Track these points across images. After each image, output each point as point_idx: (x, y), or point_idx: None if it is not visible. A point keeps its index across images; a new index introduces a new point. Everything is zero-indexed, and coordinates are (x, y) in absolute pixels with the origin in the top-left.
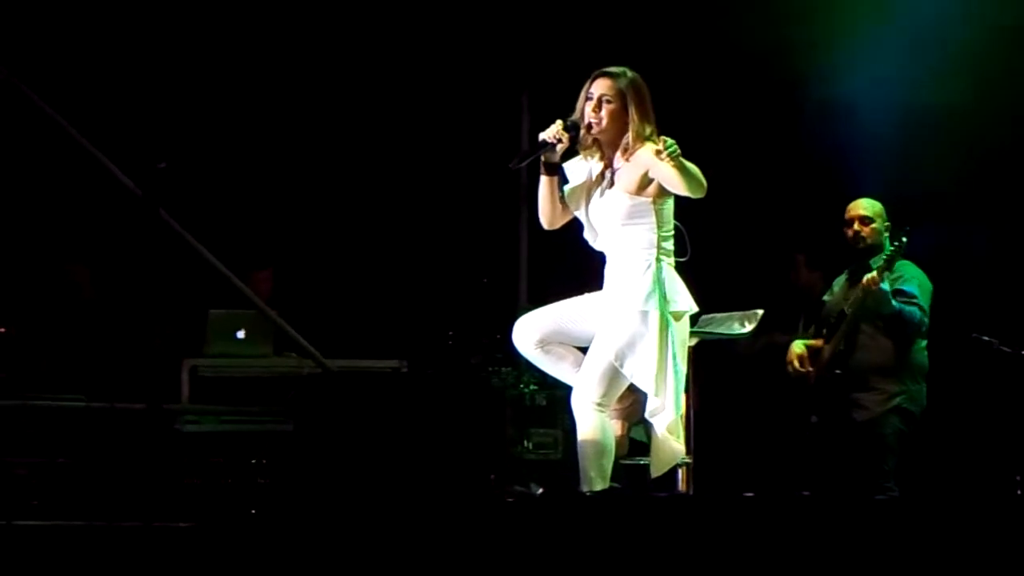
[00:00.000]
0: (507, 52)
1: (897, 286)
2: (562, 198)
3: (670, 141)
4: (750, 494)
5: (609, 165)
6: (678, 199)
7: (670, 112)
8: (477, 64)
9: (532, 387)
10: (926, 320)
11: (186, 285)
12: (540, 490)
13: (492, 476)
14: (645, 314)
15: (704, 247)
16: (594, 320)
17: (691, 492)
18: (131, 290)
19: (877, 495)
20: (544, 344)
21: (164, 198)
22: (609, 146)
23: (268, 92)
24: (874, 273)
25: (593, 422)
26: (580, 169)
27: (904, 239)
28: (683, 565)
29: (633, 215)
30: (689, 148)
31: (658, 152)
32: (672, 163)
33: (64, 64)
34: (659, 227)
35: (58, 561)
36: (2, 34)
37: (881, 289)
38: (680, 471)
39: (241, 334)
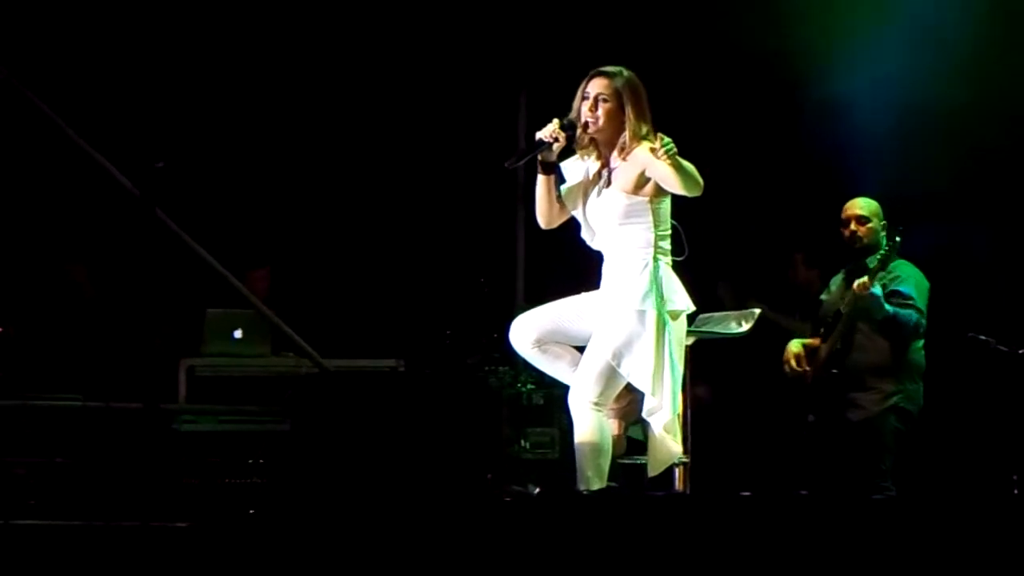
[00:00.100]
0: (505, 52)
1: (893, 287)
2: (559, 197)
3: (667, 139)
4: (747, 493)
5: (606, 164)
6: (675, 198)
7: (668, 111)
8: (474, 63)
9: (529, 386)
10: (923, 322)
11: (183, 284)
12: (537, 489)
13: (489, 475)
14: (642, 313)
15: (701, 246)
16: (591, 319)
17: (688, 491)
18: (128, 290)
19: (874, 494)
20: (541, 343)
21: (161, 197)
22: (606, 145)
23: (265, 92)
24: (864, 279)
25: (590, 421)
26: (577, 168)
27: (898, 239)
28: (680, 564)
29: (630, 214)
30: (687, 147)
31: (654, 150)
32: (668, 161)
33: (62, 64)
34: (656, 226)
35: (56, 561)
36: (2, 35)
37: (872, 294)
38: (677, 470)
39: (238, 334)
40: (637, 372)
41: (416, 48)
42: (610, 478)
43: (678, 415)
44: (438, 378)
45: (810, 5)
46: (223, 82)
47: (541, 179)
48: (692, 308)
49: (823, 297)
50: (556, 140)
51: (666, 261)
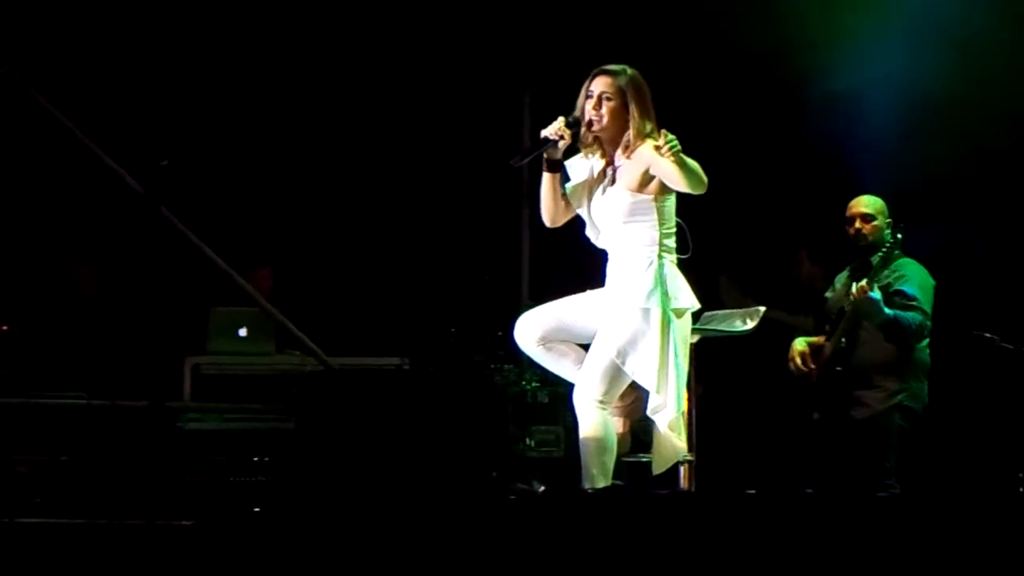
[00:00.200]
0: (509, 50)
1: (897, 286)
2: (564, 195)
3: (670, 136)
4: (752, 491)
5: (610, 163)
6: (680, 196)
7: (672, 110)
8: (479, 62)
9: (534, 384)
10: (927, 323)
11: (188, 283)
12: (542, 487)
13: (494, 474)
14: (647, 311)
15: (706, 244)
16: (596, 317)
17: (693, 489)
18: (133, 288)
19: (879, 492)
20: (546, 341)
21: (166, 196)
22: (610, 144)
23: (270, 90)
24: (863, 283)
25: (595, 419)
26: (581, 167)
27: (899, 236)
28: (685, 562)
29: (635, 212)
30: (691, 145)
31: (658, 148)
32: (672, 159)
33: (67, 63)
34: (661, 224)
35: (60, 559)
36: (5, 32)
37: (870, 298)
38: (682, 468)
39: (243, 332)
40: (642, 370)
41: (421, 48)
42: (615, 476)
43: (683, 413)
44: (443, 376)
45: (812, 3)
46: (228, 80)
47: (546, 177)
48: (697, 306)
49: (828, 294)
50: (561, 138)
51: (671, 259)
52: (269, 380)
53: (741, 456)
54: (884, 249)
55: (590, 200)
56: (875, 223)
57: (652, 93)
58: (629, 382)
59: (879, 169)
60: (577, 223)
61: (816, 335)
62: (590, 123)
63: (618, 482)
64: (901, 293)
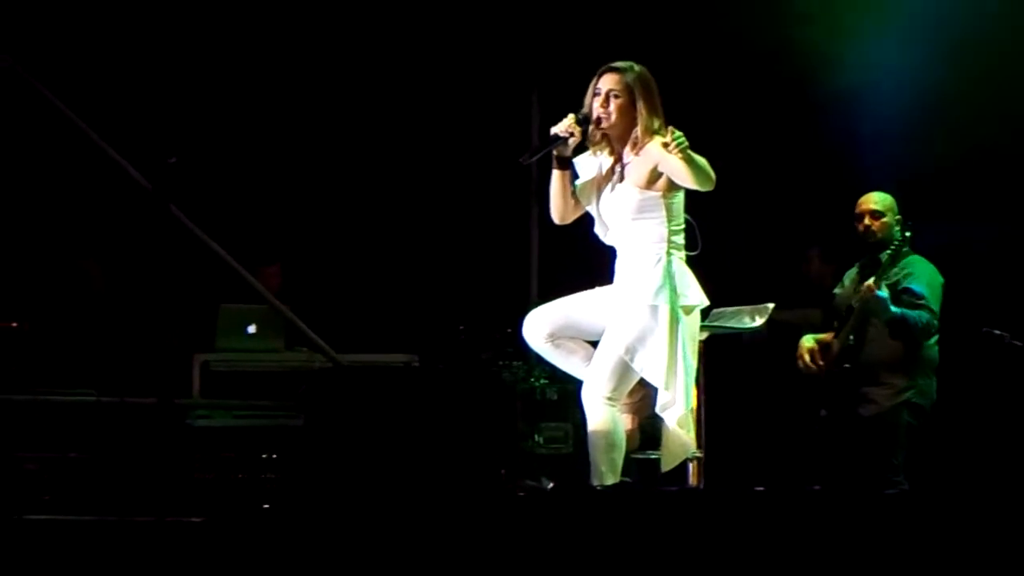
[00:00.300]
0: (517, 48)
1: (905, 284)
2: (574, 193)
3: (678, 133)
4: (760, 488)
5: (619, 159)
6: (688, 193)
7: (681, 107)
8: (487, 60)
9: (543, 381)
10: (935, 322)
11: (197, 280)
12: (551, 484)
13: (503, 470)
14: (655, 308)
15: (714, 241)
16: (604, 314)
17: (702, 486)
18: (142, 285)
19: (887, 489)
20: (554, 338)
21: (174, 193)
22: (618, 141)
23: (278, 88)
24: (870, 281)
25: (604, 416)
26: (590, 164)
27: (907, 234)
28: (694, 559)
29: (643, 209)
30: (700, 143)
31: (665, 144)
32: (680, 155)
33: (75, 60)
34: (669, 221)
35: (69, 556)
36: (14, 30)
37: (877, 296)
38: (691, 465)
39: (252, 329)
40: (650, 367)
41: (429, 46)
42: (623, 473)
43: (691, 410)
44: (452, 373)
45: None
46: (236, 78)
47: (556, 174)
48: (706, 303)
49: (836, 291)
50: (571, 135)
51: (679, 256)
52: (278, 377)
53: (750, 453)
54: (893, 246)
55: (599, 197)
56: (884, 220)
57: (660, 90)
58: (638, 379)
59: (889, 166)
60: (586, 220)
61: (825, 332)
62: (598, 120)
63: (627, 479)
64: (909, 291)
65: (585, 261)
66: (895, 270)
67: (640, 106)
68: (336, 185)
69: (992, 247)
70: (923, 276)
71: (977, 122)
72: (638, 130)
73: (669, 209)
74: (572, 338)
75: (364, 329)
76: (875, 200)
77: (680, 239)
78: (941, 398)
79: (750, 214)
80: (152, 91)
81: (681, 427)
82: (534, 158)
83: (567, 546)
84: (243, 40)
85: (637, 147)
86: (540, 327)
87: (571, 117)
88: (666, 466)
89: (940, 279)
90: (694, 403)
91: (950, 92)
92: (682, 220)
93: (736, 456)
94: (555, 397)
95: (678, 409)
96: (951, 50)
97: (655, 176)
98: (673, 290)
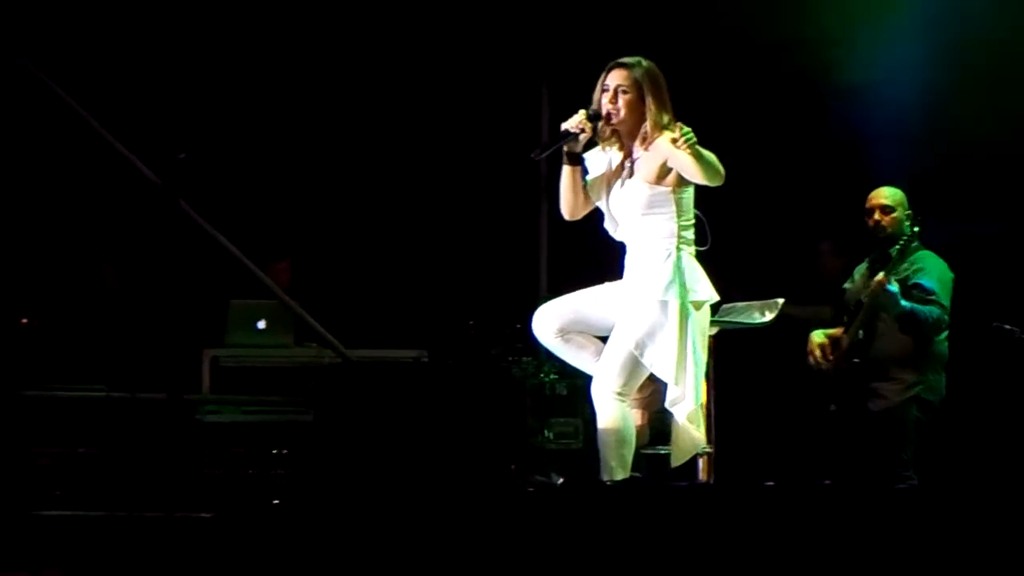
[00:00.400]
0: (527, 43)
1: (916, 279)
2: (584, 188)
3: (686, 129)
4: (770, 483)
5: (628, 155)
6: (698, 188)
7: (690, 101)
8: (497, 55)
9: (552, 377)
10: (945, 317)
11: (206, 275)
12: (561, 480)
13: (513, 466)
14: (665, 303)
15: (724, 236)
16: (614, 309)
17: (711, 481)
18: (152, 280)
19: (897, 484)
20: (564, 333)
21: (184, 189)
22: (628, 136)
23: (287, 84)
24: (880, 275)
25: (613, 411)
26: (599, 160)
27: (916, 228)
28: (704, 555)
29: (653, 204)
30: (710, 137)
31: (674, 140)
32: (688, 151)
33: (85, 56)
34: (679, 216)
35: (80, 551)
36: (25, 27)
37: (888, 291)
38: (700, 460)
39: (262, 324)
40: (660, 362)
41: (439, 41)
42: (633, 468)
43: (701, 405)
44: (461, 368)
45: None
46: (245, 73)
47: (567, 170)
48: (716, 298)
49: (846, 286)
50: (582, 131)
51: (689, 251)
52: (287, 373)
53: (760, 448)
54: (902, 241)
55: (608, 193)
56: (895, 215)
57: (670, 85)
58: (647, 374)
59: (899, 160)
60: (595, 216)
61: (834, 327)
62: (608, 116)
63: (636, 474)
64: (919, 286)
65: (594, 256)
66: (905, 265)
67: (649, 101)
68: (345, 180)
69: (1003, 241)
70: (933, 272)
71: (988, 116)
72: (647, 125)
73: (679, 204)
74: (582, 333)
75: (374, 324)
76: (885, 195)
77: (690, 234)
78: (951, 393)
79: (760, 209)
80: (162, 87)
81: (691, 422)
82: (545, 154)
83: (577, 541)
84: (253, 36)
85: (646, 142)
86: (550, 322)
87: (582, 113)
88: (676, 461)
89: (950, 274)
90: (704, 398)
91: (961, 87)
92: (692, 215)
93: (746, 451)
94: (565, 392)
95: (688, 404)
96: (963, 44)
97: (665, 171)
98: (683, 285)
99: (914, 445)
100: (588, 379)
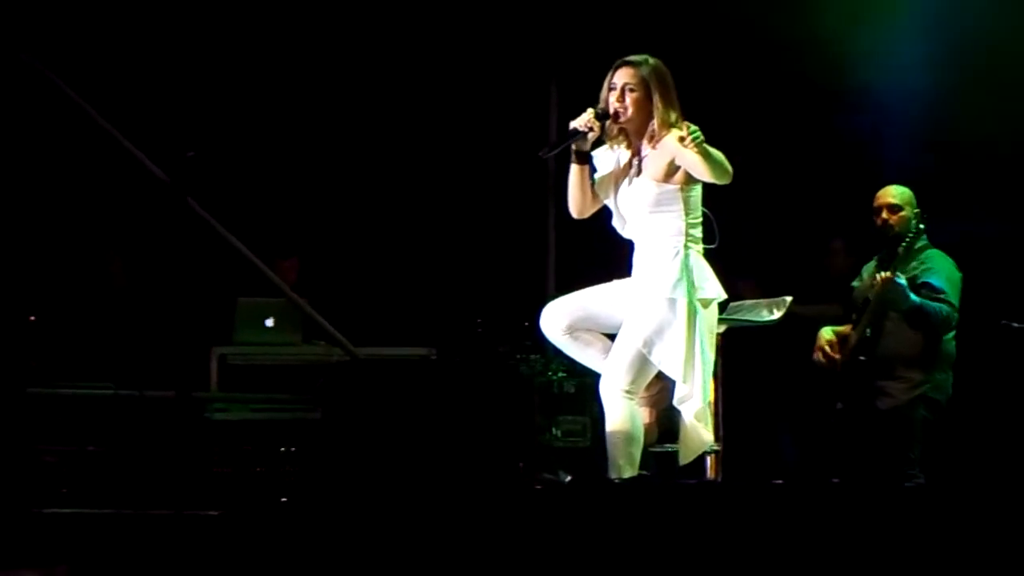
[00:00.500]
0: (535, 42)
1: (924, 278)
2: (592, 187)
3: (693, 127)
4: (779, 481)
5: (636, 153)
6: (706, 186)
7: (698, 100)
8: (505, 54)
9: (560, 374)
10: (955, 315)
11: (214, 273)
12: (568, 478)
13: (520, 464)
14: (673, 301)
15: (732, 234)
16: (622, 307)
17: (719, 479)
18: (160, 278)
19: (903, 483)
20: (572, 330)
21: (192, 186)
22: (635, 134)
23: (296, 82)
24: (886, 273)
25: (622, 409)
26: (607, 158)
27: (921, 226)
28: (711, 553)
29: (661, 202)
30: (718, 136)
31: (681, 139)
32: (695, 149)
33: (94, 54)
34: (687, 214)
35: (87, 549)
36: (33, 25)
37: (896, 284)
38: (708, 458)
39: (270, 322)
40: (668, 360)
41: (448, 39)
42: (641, 466)
43: (709, 403)
44: (469, 366)
45: None
46: (254, 72)
47: (575, 169)
48: (723, 296)
49: (855, 284)
50: (591, 129)
51: (697, 249)
52: (296, 370)
53: (767, 446)
54: (908, 238)
55: (616, 191)
56: (902, 214)
57: (678, 83)
58: (655, 372)
59: (908, 159)
60: (603, 213)
61: (843, 325)
62: (615, 115)
63: (644, 472)
64: (928, 285)
65: (602, 254)
66: (913, 264)
67: (656, 99)
68: (353, 178)
69: (1011, 240)
70: (942, 270)
71: (995, 117)
72: (655, 123)
73: (687, 202)
74: (589, 330)
75: (381, 322)
76: (893, 194)
77: (698, 232)
78: (958, 391)
79: (768, 207)
80: (171, 85)
81: (699, 420)
82: (553, 152)
83: (585, 539)
84: (261, 35)
85: (654, 140)
86: (558, 319)
87: (590, 112)
88: (684, 459)
89: (958, 274)
90: (712, 396)
91: (968, 87)
92: (700, 213)
93: (754, 449)
94: (573, 390)
95: (696, 402)
96: (973, 44)
97: (672, 169)
98: (691, 283)
99: (921, 444)
100: (596, 377)
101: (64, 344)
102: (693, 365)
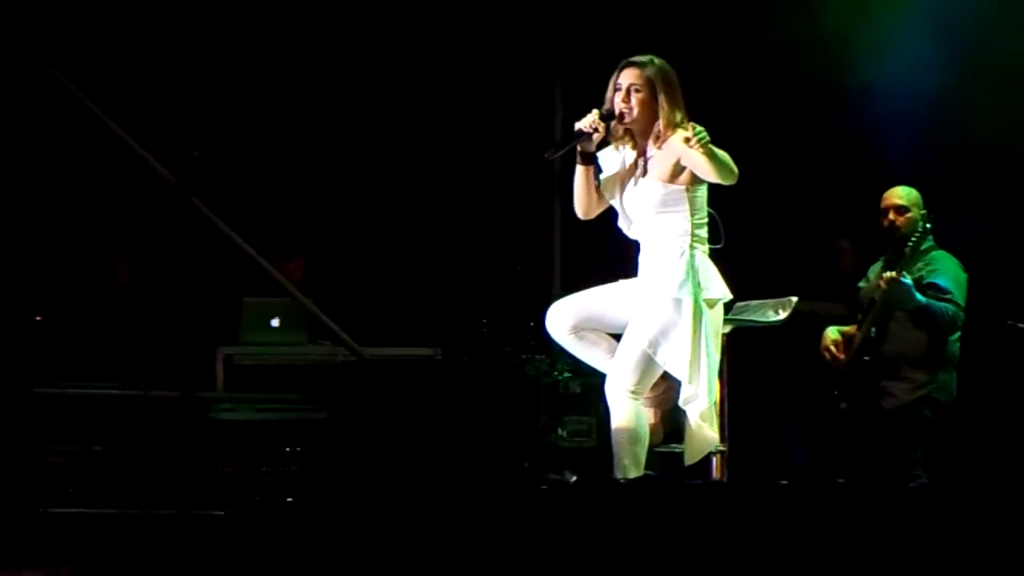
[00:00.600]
0: (540, 43)
1: (930, 279)
2: (598, 187)
3: (699, 128)
4: (784, 481)
5: (642, 153)
6: (711, 186)
7: (705, 100)
8: (510, 55)
9: (566, 375)
10: (960, 315)
11: (220, 273)
12: (574, 478)
13: (526, 464)
14: (679, 302)
15: (738, 234)
16: (628, 307)
17: (725, 480)
18: (166, 278)
19: (907, 483)
20: (577, 330)
21: (198, 186)
22: (641, 135)
23: (302, 82)
24: (891, 272)
25: (627, 410)
26: (613, 159)
27: (928, 226)
28: (717, 553)
29: (667, 203)
30: (723, 136)
31: (687, 140)
32: (701, 150)
33: (100, 54)
34: (693, 214)
35: (93, 549)
36: (39, 25)
37: (902, 283)
38: (714, 459)
39: (275, 322)
40: (673, 360)
41: (453, 39)
42: (647, 466)
43: (715, 403)
44: (475, 366)
45: None
46: (259, 72)
47: (580, 169)
48: (729, 296)
49: (861, 284)
50: (596, 130)
51: (703, 249)
52: (301, 370)
53: (773, 446)
54: (913, 239)
55: (622, 191)
56: (909, 215)
57: (684, 84)
58: (661, 372)
59: (914, 159)
60: (609, 214)
61: (849, 325)
62: (620, 115)
63: (650, 472)
64: (934, 286)
65: (607, 255)
66: (919, 265)
67: (661, 100)
68: (358, 178)
69: (1018, 240)
70: (948, 271)
71: (1003, 116)
72: (660, 124)
73: (692, 203)
74: (595, 330)
75: (387, 322)
76: (899, 195)
77: (703, 232)
78: (963, 391)
79: (773, 208)
80: (176, 86)
81: (704, 420)
82: (558, 154)
83: (590, 539)
84: (266, 35)
85: (660, 141)
86: (563, 319)
87: (595, 113)
88: (689, 460)
89: (964, 275)
90: (717, 396)
91: (976, 86)
92: (705, 213)
93: (759, 450)
94: (578, 390)
95: (701, 403)
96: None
97: (678, 170)
98: (696, 283)
99: (924, 445)
100: (602, 377)
101: (70, 344)
102: (699, 365)
